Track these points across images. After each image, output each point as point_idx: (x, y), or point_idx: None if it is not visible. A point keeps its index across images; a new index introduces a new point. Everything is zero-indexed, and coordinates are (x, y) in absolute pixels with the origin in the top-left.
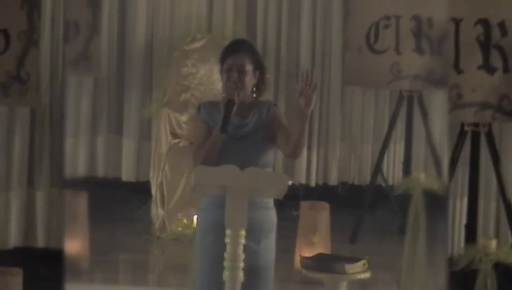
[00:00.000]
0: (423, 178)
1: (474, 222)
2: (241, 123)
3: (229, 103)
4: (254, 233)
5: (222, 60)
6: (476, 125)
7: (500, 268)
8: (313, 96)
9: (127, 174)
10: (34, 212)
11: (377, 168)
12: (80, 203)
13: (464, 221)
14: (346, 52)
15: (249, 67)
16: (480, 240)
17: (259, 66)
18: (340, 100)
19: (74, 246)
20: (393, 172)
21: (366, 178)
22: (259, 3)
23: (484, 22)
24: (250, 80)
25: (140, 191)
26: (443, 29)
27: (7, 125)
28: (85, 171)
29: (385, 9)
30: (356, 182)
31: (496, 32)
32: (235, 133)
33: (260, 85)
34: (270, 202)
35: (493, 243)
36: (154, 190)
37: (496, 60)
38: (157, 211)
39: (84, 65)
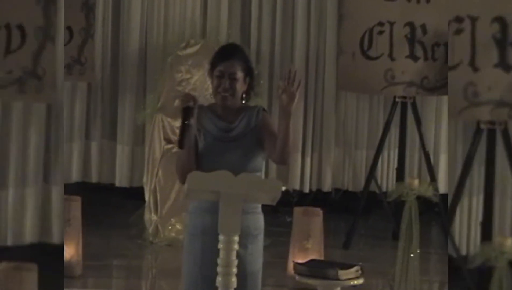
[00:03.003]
0: (417, 184)
1: (490, 219)
2: (228, 127)
3: (185, 111)
4: (240, 238)
5: (213, 65)
6: (492, 123)
7: None
8: (296, 93)
9: (120, 179)
10: (50, 208)
11: (371, 174)
12: (74, 208)
13: (480, 218)
14: (340, 58)
15: (240, 74)
16: (496, 238)
17: (249, 72)
18: (334, 105)
19: (67, 251)
20: (387, 178)
21: (360, 184)
22: (253, 8)
23: (500, 20)
24: (241, 87)
25: (133, 196)
26: (436, 35)
27: (23, 121)
28: (78, 176)
29: (379, 15)
30: (350, 188)
31: None
32: (223, 136)
33: (249, 91)
34: (258, 207)
35: (509, 241)
36: (147, 195)
37: None
38: (150, 217)
39: (78, 70)
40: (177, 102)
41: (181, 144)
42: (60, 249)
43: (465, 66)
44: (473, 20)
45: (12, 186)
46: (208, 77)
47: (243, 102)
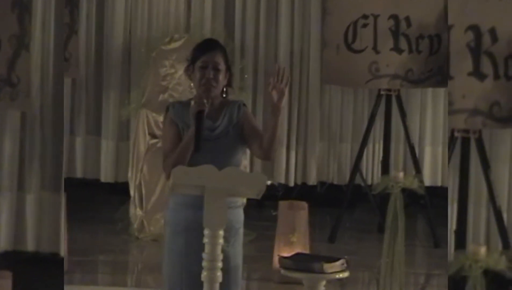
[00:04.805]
0: (402, 177)
1: (464, 228)
2: (212, 125)
3: (199, 116)
4: (224, 233)
5: (195, 58)
6: (466, 131)
7: (490, 275)
8: (285, 90)
9: (105, 175)
10: (24, 216)
11: (356, 168)
12: None
13: (454, 227)
14: (324, 51)
15: (223, 66)
16: (470, 247)
17: (229, 67)
18: (318, 99)
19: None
20: (372, 171)
21: (345, 178)
22: (237, 2)
23: (474, 29)
24: (223, 79)
25: (118, 192)
26: (421, 28)
27: None
28: (63, 172)
29: (363, 8)
30: (335, 182)
31: (486, 39)
32: (207, 136)
33: (227, 87)
34: (238, 201)
35: (483, 249)
36: (132, 190)
37: (486, 66)
38: (135, 212)
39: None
40: (192, 106)
41: (198, 147)
42: (35, 256)
43: None
44: (448, 28)
45: None
46: (187, 73)
47: (224, 96)
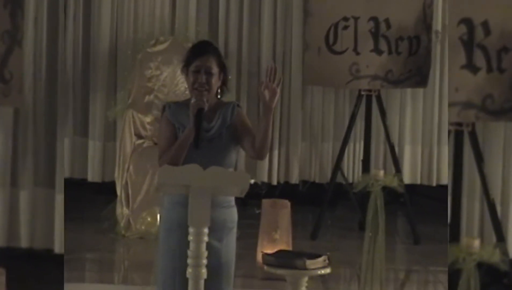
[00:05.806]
0: (382, 175)
1: (457, 221)
2: (207, 126)
3: (198, 114)
4: (217, 231)
5: (188, 62)
6: (459, 124)
7: (484, 268)
8: (277, 90)
9: (92, 175)
10: (17, 212)
11: (337, 166)
12: None
13: (448, 220)
14: (306, 53)
15: (215, 69)
16: (464, 240)
17: (223, 68)
18: (300, 99)
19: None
20: (353, 169)
21: (327, 176)
22: (220, 5)
23: (467, 22)
24: (216, 82)
25: (105, 191)
26: (400, 30)
27: None
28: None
29: (344, 10)
30: (317, 180)
31: (479, 32)
32: (201, 136)
33: (223, 87)
34: (232, 201)
35: (477, 242)
36: (119, 190)
37: (479, 59)
38: (122, 211)
39: None
40: (192, 104)
41: (198, 144)
42: (29, 252)
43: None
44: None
45: None
46: (182, 74)
47: (218, 97)
